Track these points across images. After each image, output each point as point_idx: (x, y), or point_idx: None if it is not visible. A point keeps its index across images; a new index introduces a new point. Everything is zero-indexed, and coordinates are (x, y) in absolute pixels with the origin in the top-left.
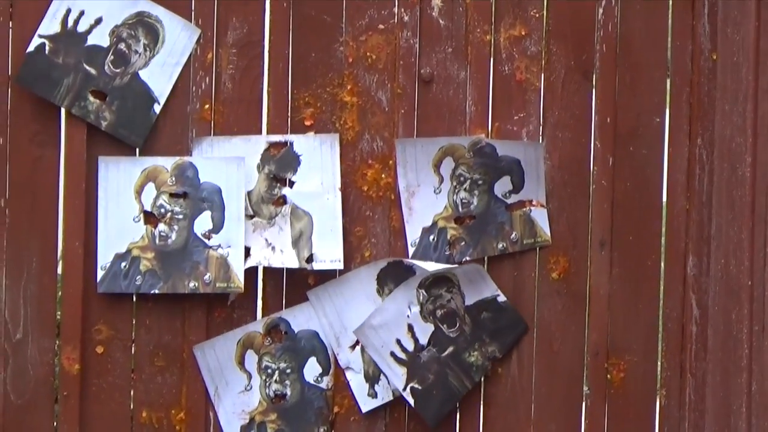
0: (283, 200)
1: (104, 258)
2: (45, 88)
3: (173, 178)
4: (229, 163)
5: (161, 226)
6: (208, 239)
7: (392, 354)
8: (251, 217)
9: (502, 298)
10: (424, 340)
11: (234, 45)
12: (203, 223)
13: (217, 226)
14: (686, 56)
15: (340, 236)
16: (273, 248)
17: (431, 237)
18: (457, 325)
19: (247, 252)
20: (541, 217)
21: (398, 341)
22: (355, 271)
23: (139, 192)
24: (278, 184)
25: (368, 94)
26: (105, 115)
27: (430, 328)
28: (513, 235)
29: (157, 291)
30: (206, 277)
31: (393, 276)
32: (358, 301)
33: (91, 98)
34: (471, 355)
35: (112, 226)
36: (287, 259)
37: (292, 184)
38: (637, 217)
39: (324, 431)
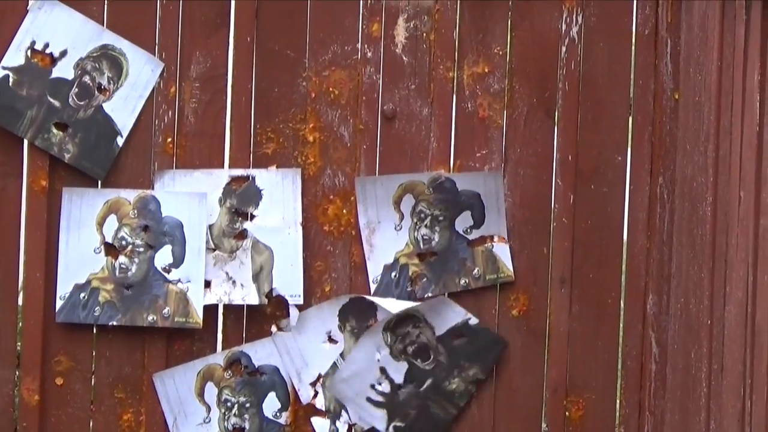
0: (244, 234)
1: (63, 288)
2: (8, 119)
3: (135, 211)
4: (191, 198)
5: (122, 258)
6: (168, 273)
7: (369, 399)
8: (213, 250)
9: (473, 320)
10: (399, 378)
11: (197, 79)
12: (164, 256)
13: (178, 261)
14: (649, 95)
15: (301, 271)
16: (233, 282)
17: (393, 274)
18: (431, 357)
19: (208, 285)
20: (503, 252)
21: (373, 386)
22: (316, 307)
23: (101, 224)
24: (240, 218)
25: (330, 129)
26: (68, 147)
27: (404, 365)
28: (475, 270)
29: (115, 323)
30: (165, 311)
31: (354, 312)
32: (320, 338)
33: (55, 130)
34: (452, 383)
35: (72, 256)
36: (247, 294)
37: (253, 218)
38: (598, 255)
39: None
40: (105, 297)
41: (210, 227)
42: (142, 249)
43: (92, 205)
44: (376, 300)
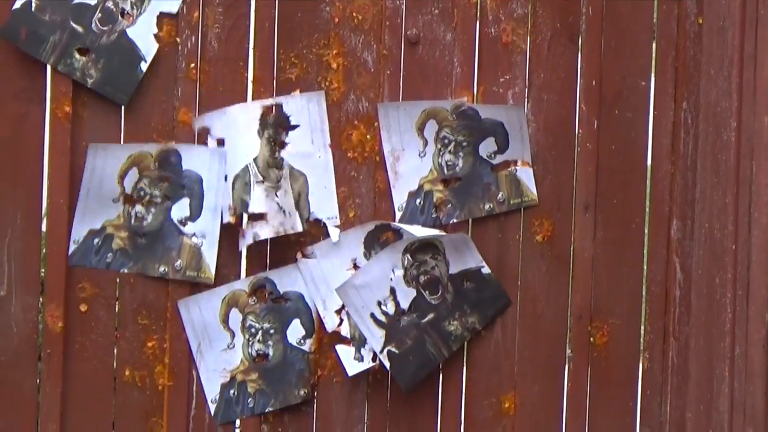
0: (281, 163)
1: (78, 233)
2: (31, 44)
3: (156, 164)
4: (212, 153)
5: (138, 207)
6: (184, 226)
7: (372, 316)
8: (261, 182)
9: (486, 269)
10: (405, 304)
11: (220, 4)
12: (181, 209)
13: (194, 215)
14: (672, 20)
15: (334, 193)
16: (284, 212)
17: (417, 201)
18: (440, 292)
19: (264, 217)
20: (527, 176)
21: (379, 303)
22: (342, 234)
23: (122, 176)
24: (278, 147)
25: (354, 55)
26: (91, 72)
27: (413, 293)
28: (499, 195)
29: (126, 270)
30: (177, 263)
31: (380, 239)
32: (345, 265)
33: (78, 56)
34: (451, 324)
35: (90, 205)
36: (294, 223)
37: (285, 145)
38: (622, 180)
39: (304, 393)
40: (118, 244)
41: (255, 160)
42: (159, 200)
43: (117, 158)
44: (402, 226)
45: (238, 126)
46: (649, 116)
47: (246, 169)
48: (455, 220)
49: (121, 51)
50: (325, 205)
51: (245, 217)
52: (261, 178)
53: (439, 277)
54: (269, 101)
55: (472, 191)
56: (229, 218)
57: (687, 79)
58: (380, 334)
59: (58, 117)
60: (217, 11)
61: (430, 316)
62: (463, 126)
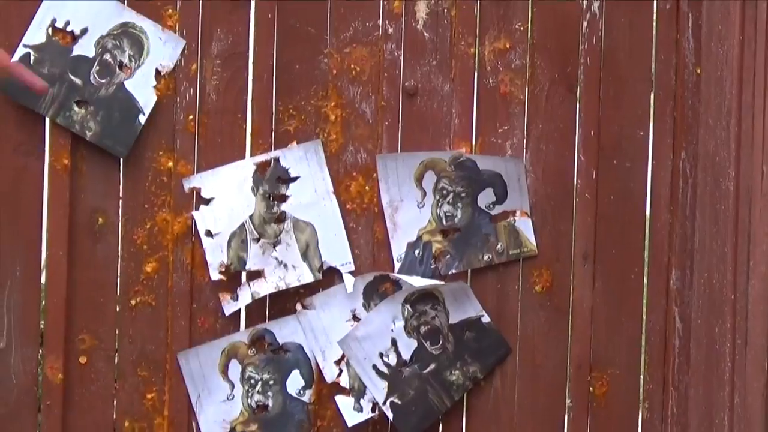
0: (283, 216)
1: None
2: (29, 97)
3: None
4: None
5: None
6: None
7: (374, 367)
8: (257, 240)
9: (486, 318)
10: (407, 355)
11: (218, 56)
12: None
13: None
14: (670, 70)
15: (345, 238)
16: (285, 266)
17: (416, 251)
18: (440, 342)
19: (262, 275)
20: (525, 226)
21: (381, 354)
22: (340, 285)
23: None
24: (275, 202)
25: (352, 106)
26: (90, 125)
27: (414, 343)
28: (498, 246)
29: (454, 270)
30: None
31: (379, 290)
32: (345, 316)
33: (76, 108)
34: (452, 374)
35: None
36: (301, 274)
37: (287, 198)
38: (621, 230)
39: None
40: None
41: (250, 218)
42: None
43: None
44: (401, 277)
45: (231, 185)
46: (647, 166)
47: (242, 227)
48: (454, 271)
49: (120, 104)
50: (337, 251)
51: (244, 275)
52: (257, 235)
53: (439, 327)
54: (263, 157)
55: (470, 242)
56: (217, 276)
57: (685, 128)
58: (383, 385)
59: (57, 170)
60: (215, 63)
61: (432, 366)
62: (462, 177)
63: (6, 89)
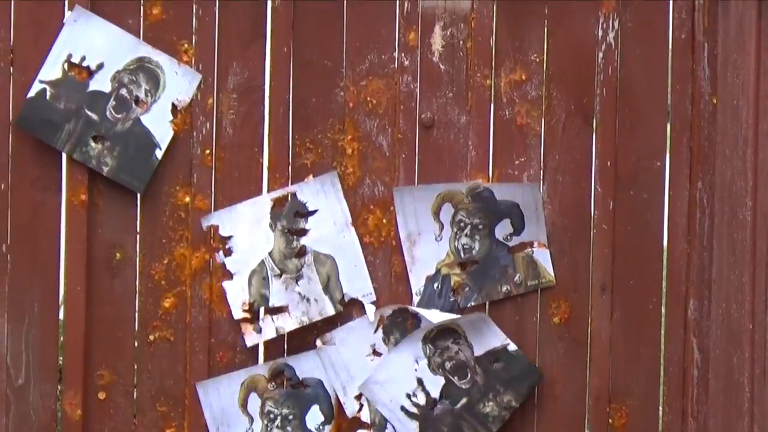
0: (303, 251)
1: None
2: (46, 132)
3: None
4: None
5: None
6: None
7: (403, 408)
8: (279, 276)
9: (512, 347)
10: (435, 393)
11: (235, 90)
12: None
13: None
14: (686, 100)
15: (365, 269)
16: (308, 300)
17: (435, 285)
18: (468, 376)
19: (286, 310)
20: (543, 258)
21: (408, 396)
22: (360, 320)
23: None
24: (295, 237)
25: (369, 139)
26: (106, 160)
27: (441, 380)
28: (516, 277)
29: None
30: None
31: (398, 325)
32: (364, 351)
33: (93, 144)
34: (486, 406)
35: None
36: (323, 308)
37: (306, 232)
38: (638, 261)
39: None
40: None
41: (270, 254)
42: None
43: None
44: (419, 311)
45: (249, 222)
46: (664, 196)
47: (262, 263)
48: (473, 303)
49: (136, 139)
50: (358, 283)
51: (262, 311)
52: (278, 271)
53: (465, 360)
54: (280, 192)
55: (489, 274)
56: (240, 314)
57: (702, 158)
58: (414, 425)
59: (75, 205)
60: (232, 98)
61: (464, 401)
62: (479, 209)
63: (24, 125)
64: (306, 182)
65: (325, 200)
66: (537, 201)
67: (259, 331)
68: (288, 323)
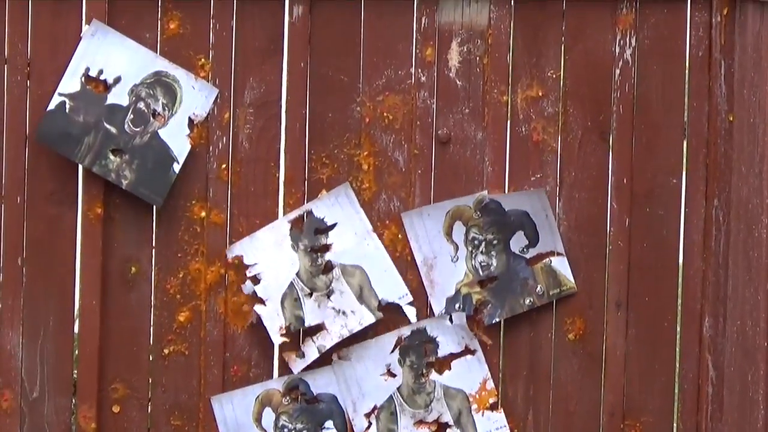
0: (329, 266)
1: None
2: (65, 146)
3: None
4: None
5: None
6: (526, 253)
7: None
8: (310, 295)
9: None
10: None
11: (251, 105)
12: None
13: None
14: (703, 117)
15: (395, 272)
16: (344, 313)
17: (456, 305)
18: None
19: (324, 328)
20: (562, 266)
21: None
22: (377, 339)
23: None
24: (318, 254)
25: (385, 154)
26: (125, 173)
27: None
28: (538, 288)
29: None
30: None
31: (415, 347)
32: (379, 369)
33: (112, 156)
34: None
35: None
36: (361, 317)
37: (329, 247)
38: (654, 277)
39: None
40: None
41: (297, 275)
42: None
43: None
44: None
45: (271, 247)
46: (680, 213)
47: (291, 285)
48: (497, 320)
49: (154, 152)
50: (391, 286)
51: (301, 336)
52: (308, 290)
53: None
54: (296, 213)
55: (510, 288)
56: (279, 339)
57: (718, 176)
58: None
59: (90, 219)
60: (248, 112)
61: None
62: (490, 223)
63: (44, 138)
64: (320, 198)
65: (341, 212)
66: (545, 207)
67: (303, 356)
68: (327, 339)
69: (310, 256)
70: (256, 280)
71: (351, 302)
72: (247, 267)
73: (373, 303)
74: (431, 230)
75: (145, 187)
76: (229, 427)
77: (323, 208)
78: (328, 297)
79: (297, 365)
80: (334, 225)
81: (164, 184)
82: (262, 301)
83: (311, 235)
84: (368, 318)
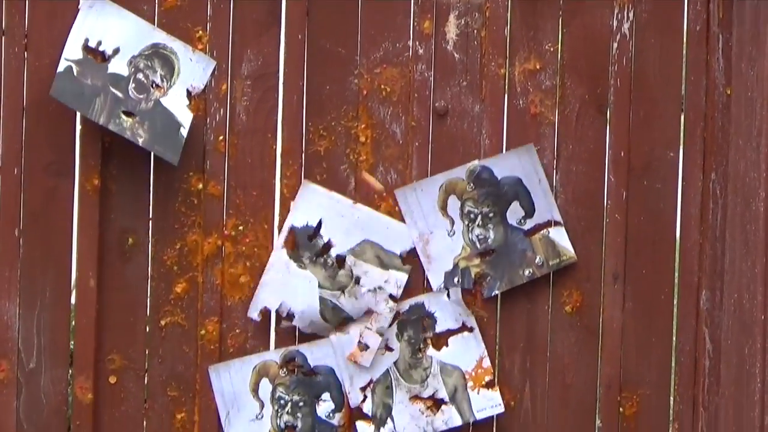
0: (341, 259)
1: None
2: (80, 104)
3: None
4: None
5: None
6: (524, 225)
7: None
8: (342, 293)
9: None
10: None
11: (249, 77)
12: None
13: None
14: (700, 91)
15: (396, 222)
16: (380, 288)
17: (455, 279)
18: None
19: (372, 312)
20: (560, 236)
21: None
22: (377, 313)
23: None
24: (325, 256)
25: (382, 126)
26: (140, 132)
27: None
28: (537, 259)
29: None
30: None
31: (412, 322)
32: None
33: (124, 117)
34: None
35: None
36: (395, 278)
37: (330, 244)
38: (651, 250)
39: None
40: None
41: (320, 287)
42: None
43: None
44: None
45: (282, 281)
46: (677, 187)
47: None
48: (497, 292)
49: (161, 117)
50: (401, 238)
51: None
52: (338, 291)
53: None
54: (282, 237)
55: (509, 260)
56: (366, 359)
57: (715, 149)
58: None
59: (87, 190)
60: (246, 84)
61: None
62: (485, 195)
63: (59, 95)
64: (293, 209)
65: (317, 207)
66: (536, 166)
67: (366, 347)
68: (383, 320)
69: (319, 264)
70: (290, 316)
71: (378, 276)
72: (278, 314)
73: (396, 261)
74: (425, 206)
75: (160, 145)
76: (226, 398)
77: (300, 214)
78: (358, 283)
79: (366, 358)
80: (320, 222)
81: (176, 143)
82: (306, 336)
83: (307, 245)
84: (400, 276)
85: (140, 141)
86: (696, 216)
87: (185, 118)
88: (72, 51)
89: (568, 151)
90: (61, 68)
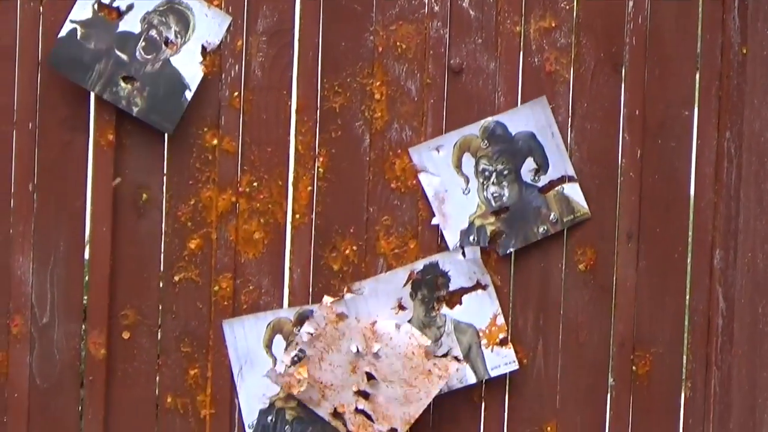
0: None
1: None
2: (77, 72)
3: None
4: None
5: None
6: (538, 181)
7: None
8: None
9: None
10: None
11: (264, 33)
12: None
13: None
14: (716, 49)
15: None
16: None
17: (471, 237)
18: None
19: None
20: (574, 192)
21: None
22: (391, 273)
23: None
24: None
25: (397, 83)
26: (136, 100)
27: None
28: (551, 216)
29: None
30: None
31: (426, 281)
32: (390, 303)
33: (123, 84)
34: None
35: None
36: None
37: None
38: (665, 209)
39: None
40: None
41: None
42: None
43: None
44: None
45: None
46: (692, 146)
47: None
48: (512, 249)
49: (166, 79)
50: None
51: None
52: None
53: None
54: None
55: (524, 217)
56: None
57: (730, 108)
58: None
59: (102, 145)
60: (261, 40)
61: None
62: (499, 152)
63: (56, 64)
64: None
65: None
66: (549, 119)
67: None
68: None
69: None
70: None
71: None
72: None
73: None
74: (440, 163)
75: (156, 115)
76: (240, 353)
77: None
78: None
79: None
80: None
81: (176, 111)
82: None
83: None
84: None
85: (135, 111)
86: (710, 175)
87: (194, 78)
88: (80, 12)
89: (583, 109)
90: (63, 32)
